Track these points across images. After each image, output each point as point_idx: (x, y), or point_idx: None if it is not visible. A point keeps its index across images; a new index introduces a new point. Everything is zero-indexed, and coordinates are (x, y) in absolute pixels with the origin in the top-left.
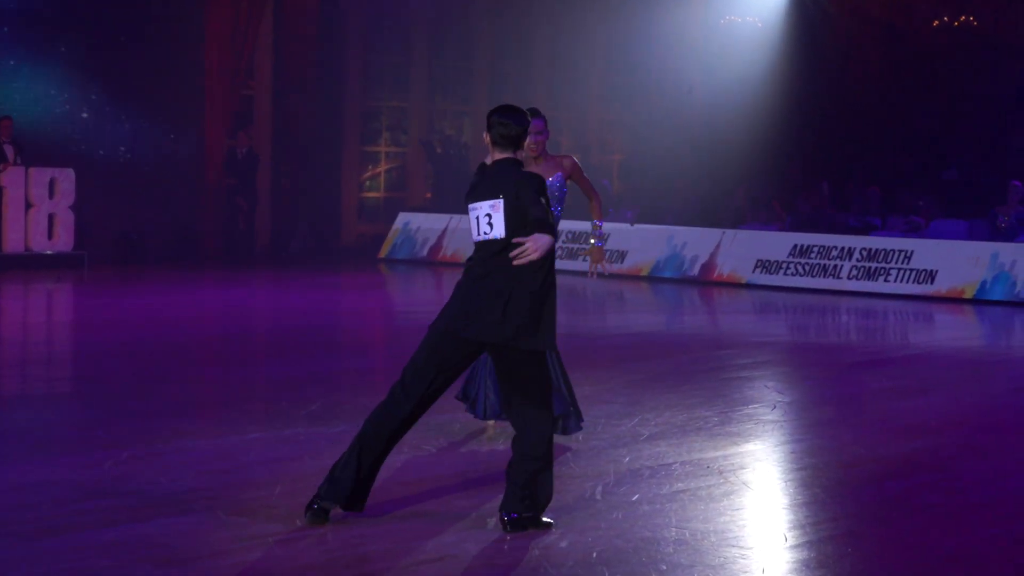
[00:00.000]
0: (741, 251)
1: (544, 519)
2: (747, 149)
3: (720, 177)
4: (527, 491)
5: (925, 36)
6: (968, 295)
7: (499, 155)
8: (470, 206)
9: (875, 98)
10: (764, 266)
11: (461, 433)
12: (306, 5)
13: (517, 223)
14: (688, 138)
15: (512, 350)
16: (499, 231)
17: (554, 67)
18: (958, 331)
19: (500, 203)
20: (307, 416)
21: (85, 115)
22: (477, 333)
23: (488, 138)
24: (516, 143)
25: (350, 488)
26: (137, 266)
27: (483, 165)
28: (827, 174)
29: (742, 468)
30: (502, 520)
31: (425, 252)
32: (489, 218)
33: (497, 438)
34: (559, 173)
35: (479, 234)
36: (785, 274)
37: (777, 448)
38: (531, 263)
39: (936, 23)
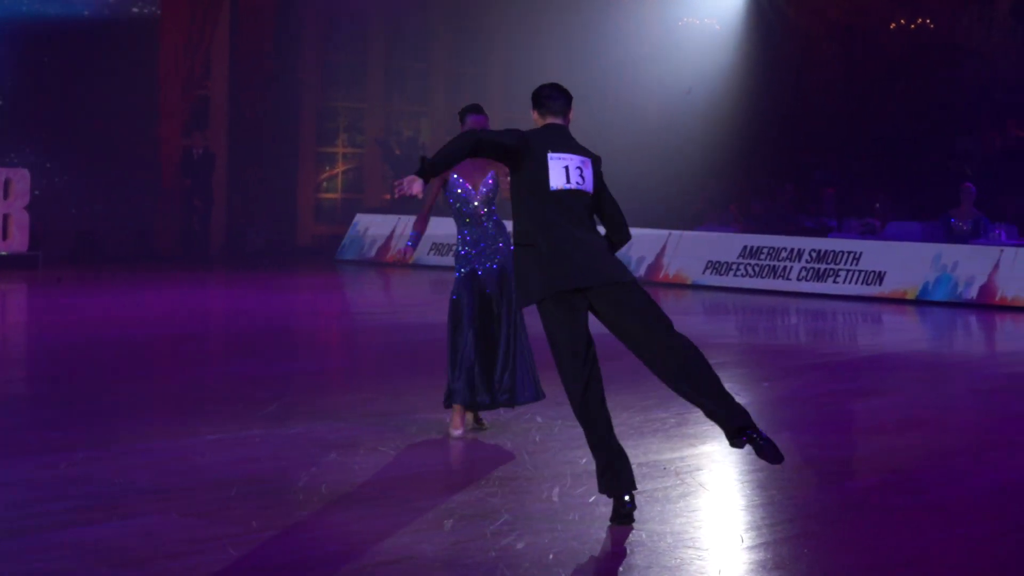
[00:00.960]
0: (690, 252)
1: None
2: (705, 151)
3: (678, 180)
4: (728, 397)
5: (882, 38)
6: (911, 296)
7: (552, 120)
8: (555, 155)
9: (833, 99)
10: (714, 267)
11: (418, 434)
12: (262, 6)
13: (598, 184)
14: (646, 141)
15: (626, 288)
16: (589, 186)
17: (511, 68)
18: (912, 332)
19: (590, 162)
20: (264, 417)
21: (39, 115)
22: (604, 276)
23: (537, 113)
24: (566, 112)
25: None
26: (93, 267)
27: (549, 125)
28: (785, 176)
29: (699, 469)
30: (752, 439)
31: (373, 253)
32: (580, 171)
33: (472, 432)
34: (492, 172)
35: (568, 182)
36: (735, 275)
37: (734, 450)
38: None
39: (893, 25)
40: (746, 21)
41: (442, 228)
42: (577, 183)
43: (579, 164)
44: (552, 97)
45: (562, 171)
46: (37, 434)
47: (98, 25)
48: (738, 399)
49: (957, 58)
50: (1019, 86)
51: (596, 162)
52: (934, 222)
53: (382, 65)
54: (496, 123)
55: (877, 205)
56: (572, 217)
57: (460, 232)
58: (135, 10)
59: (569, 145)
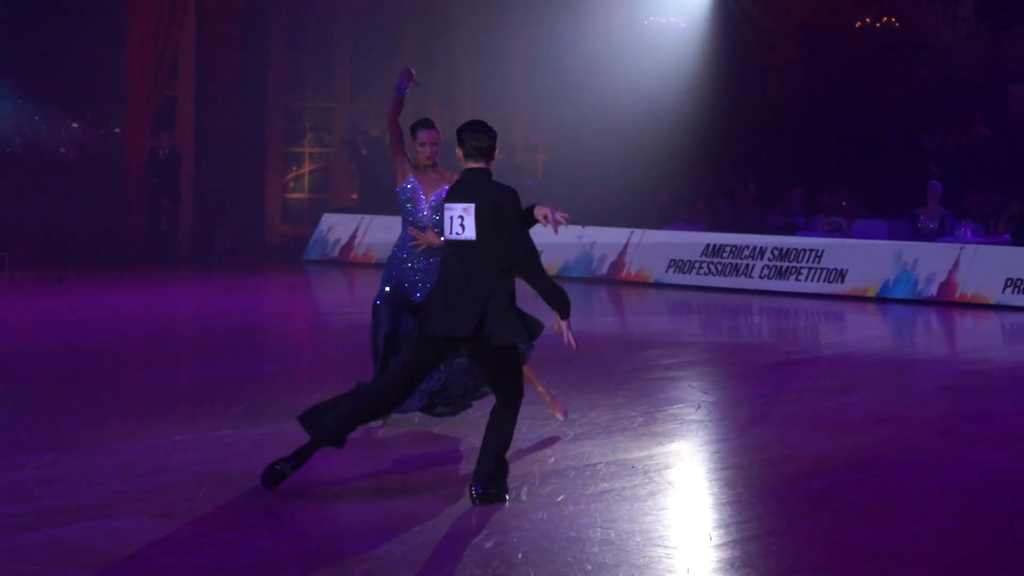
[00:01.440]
0: (653, 251)
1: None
2: (672, 150)
3: (645, 178)
4: (499, 469)
5: (848, 37)
6: (871, 294)
7: (472, 164)
8: (446, 206)
9: (798, 98)
10: (677, 265)
11: (386, 434)
12: (229, 4)
13: (487, 229)
14: (613, 140)
15: (488, 346)
16: (470, 233)
17: (478, 67)
18: (876, 330)
19: (472, 208)
20: (232, 418)
21: (5, 114)
22: (452, 330)
23: (461, 152)
24: (488, 155)
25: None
26: (59, 267)
27: (464, 173)
28: (751, 175)
29: (667, 468)
30: (471, 494)
31: (336, 252)
32: (462, 220)
33: (400, 433)
34: (447, 187)
35: (451, 233)
36: (698, 273)
37: (702, 448)
38: (501, 271)
39: (859, 24)
40: (712, 20)
41: None
42: (457, 233)
43: (460, 213)
44: (475, 139)
45: (448, 221)
46: (4, 435)
47: (64, 26)
48: (706, 397)
49: (923, 56)
50: (984, 84)
51: (487, 203)
52: (901, 220)
53: (349, 65)
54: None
55: (844, 203)
56: (459, 264)
57: (403, 236)
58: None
59: (464, 193)
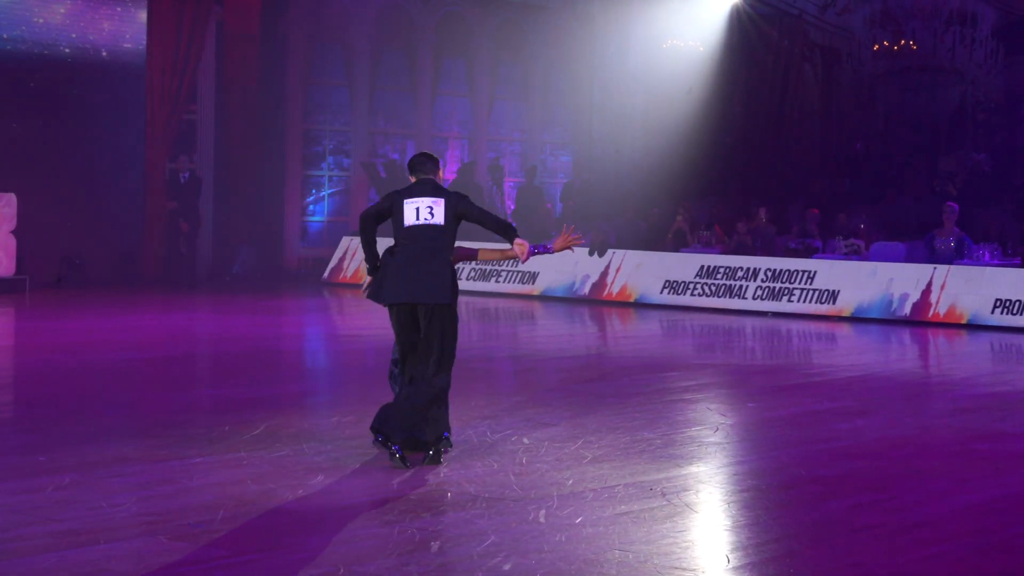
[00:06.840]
0: (648, 271)
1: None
2: (689, 172)
3: (663, 200)
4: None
5: (865, 60)
6: (847, 313)
7: (419, 176)
8: (408, 200)
9: (816, 120)
10: (672, 286)
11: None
12: (248, 29)
13: (451, 218)
14: (630, 162)
15: (439, 309)
16: (439, 219)
17: (496, 91)
18: (882, 351)
19: (442, 201)
20: (250, 440)
21: (26, 139)
22: (424, 297)
23: (414, 178)
24: (434, 172)
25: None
26: (79, 290)
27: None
28: (767, 196)
29: (685, 490)
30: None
31: (326, 274)
32: (431, 209)
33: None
34: None
35: (419, 219)
36: (692, 295)
37: (720, 470)
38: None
39: (876, 47)
40: (730, 43)
41: None
42: (426, 219)
43: (430, 204)
44: (424, 165)
45: (414, 211)
46: (23, 458)
47: (85, 47)
48: (725, 419)
49: (940, 79)
50: (1001, 106)
51: (455, 199)
52: (918, 242)
53: (367, 89)
54: (480, 145)
55: (862, 226)
56: (427, 247)
57: None
58: (127, 46)
59: (427, 191)
